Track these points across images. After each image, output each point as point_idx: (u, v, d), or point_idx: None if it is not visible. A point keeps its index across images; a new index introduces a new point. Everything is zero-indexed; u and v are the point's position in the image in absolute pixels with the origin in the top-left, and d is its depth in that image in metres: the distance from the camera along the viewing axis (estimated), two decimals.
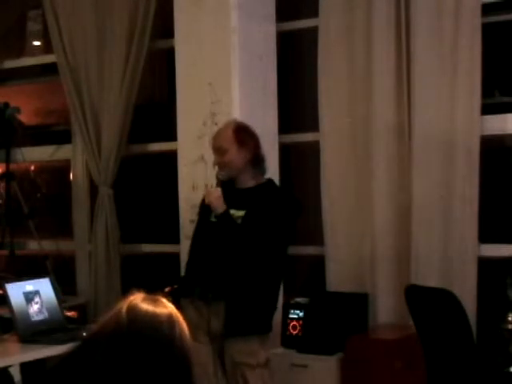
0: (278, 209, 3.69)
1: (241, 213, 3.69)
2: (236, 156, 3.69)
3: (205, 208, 3.79)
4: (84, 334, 1.65)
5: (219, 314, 3.66)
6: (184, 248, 4.72)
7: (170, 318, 1.68)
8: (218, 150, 3.74)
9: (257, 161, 3.75)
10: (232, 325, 3.66)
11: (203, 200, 3.83)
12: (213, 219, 3.71)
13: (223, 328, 3.66)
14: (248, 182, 3.75)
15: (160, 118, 5.61)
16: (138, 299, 1.70)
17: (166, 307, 1.71)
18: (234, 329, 3.67)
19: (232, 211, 3.68)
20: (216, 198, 3.67)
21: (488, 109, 4.34)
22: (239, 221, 3.68)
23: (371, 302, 4.49)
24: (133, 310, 1.67)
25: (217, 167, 3.79)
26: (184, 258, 4.76)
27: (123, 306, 1.68)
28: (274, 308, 3.83)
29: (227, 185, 3.77)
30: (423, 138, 4.35)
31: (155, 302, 1.71)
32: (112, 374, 1.61)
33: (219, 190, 3.69)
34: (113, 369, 1.62)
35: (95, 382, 1.62)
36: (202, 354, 3.62)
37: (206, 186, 3.93)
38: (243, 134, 3.73)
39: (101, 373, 1.61)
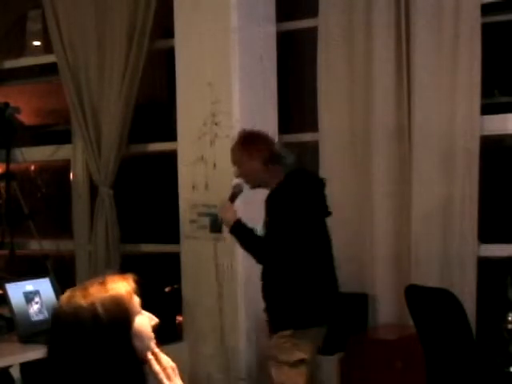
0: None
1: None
2: (249, 165, 3.76)
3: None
4: None
5: None
6: (184, 248, 4.72)
7: (88, 300, 1.74)
8: (234, 163, 3.86)
9: (273, 159, 3.75)
10: (271, 323, 3.83)
11: None
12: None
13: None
14: (273, 183, 3.76)
15: (160, 117, 5.61)
16: (65, 295, 1.80)
17: (90, 294, 1.76)
18: (271, 326, 3.83)
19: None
20: (225, 210, 3.80)
21: (488, 109, 4.34)
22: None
23: (371, 302, 4.49)
24: (59, 306, 1.80)
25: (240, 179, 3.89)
26: (183, 257, 4.77)
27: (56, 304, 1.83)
28: (308, 304, 3.70)
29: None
30: (423, 137, 4.35)
31: (81, 291, 1.77)
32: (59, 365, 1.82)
33: (228, 202, 3.80)
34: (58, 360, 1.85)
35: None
36: None
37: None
38: (249, 145, 3.77)
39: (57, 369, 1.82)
